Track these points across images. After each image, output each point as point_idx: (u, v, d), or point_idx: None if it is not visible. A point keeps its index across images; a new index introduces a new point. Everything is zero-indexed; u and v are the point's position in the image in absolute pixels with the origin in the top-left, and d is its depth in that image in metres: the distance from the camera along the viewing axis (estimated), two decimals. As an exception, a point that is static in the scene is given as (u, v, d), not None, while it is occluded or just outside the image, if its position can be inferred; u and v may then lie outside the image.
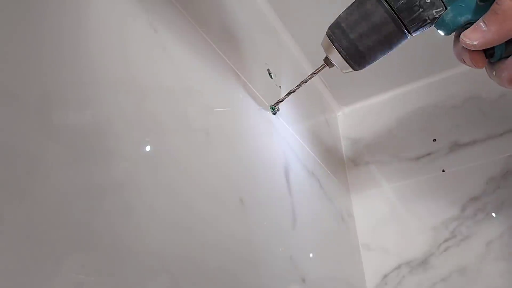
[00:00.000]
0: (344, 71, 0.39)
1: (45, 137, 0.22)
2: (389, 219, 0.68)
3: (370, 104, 0.81)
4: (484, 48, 0.30)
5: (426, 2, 0.32)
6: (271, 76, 0.54)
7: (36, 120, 0.22)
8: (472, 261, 0.59)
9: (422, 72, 0.76)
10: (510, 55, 0.31)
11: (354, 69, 0.38)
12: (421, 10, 0.33)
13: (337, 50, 0.37)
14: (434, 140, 0.70)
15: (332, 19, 0.38)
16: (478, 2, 0.31)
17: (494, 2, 0.29)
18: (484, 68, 0.33)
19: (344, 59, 0.37)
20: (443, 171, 0.67)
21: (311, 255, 0.48)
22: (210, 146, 0.36)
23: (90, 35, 0.27)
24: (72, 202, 0.22)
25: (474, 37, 0.30)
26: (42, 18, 0.24)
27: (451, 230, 0.62)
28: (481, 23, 0.30)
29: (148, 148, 0.29)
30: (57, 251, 0.21)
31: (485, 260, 0.58)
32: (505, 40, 0.30)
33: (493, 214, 0.60)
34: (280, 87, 0.56)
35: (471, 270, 0.59)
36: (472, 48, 0.31)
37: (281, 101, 0.50)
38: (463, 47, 0.32)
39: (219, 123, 0.39)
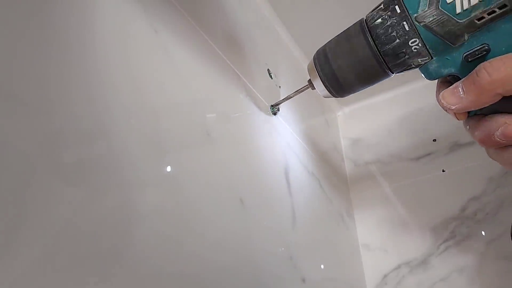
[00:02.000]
0: (324, 97, 0.40)
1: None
2: (389, 219, 0.68)
3: (370, 104, 0.81)
4: (460, 112, 0.32)
5: (413, 51, 0.32)
6: (271, 76, 0.54)
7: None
8: (471, 261, 0.59)
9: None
10: (484, 114, 0.32)
11: (334, 96, 0.39)
12: (406, 57, 0.33)
13: (319, 77, 0.38)
14: (434, 140, 0.70)
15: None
16: (463, 60, 0.31)
17: (474, 71, 0.29)
18: None
19: (325, 87, 0.38)
20: (443, 171, 0.67)
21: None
22: (210, 146, 0.36)
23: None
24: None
25: (451, 101, 0.31)
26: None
27: (451, 230, 0.62)
28: (459, 88, 0.31)
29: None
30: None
31: (485, 260, 0.58)
32: (480, 108, 0.31)
33: (491, 219, 0.60)
34: (280, 87, 0.56)
35: (470, 270, 0.59)
36: (449, 111, 0.32)
37: (276, 105, 0.52)
38: None
39: (220, 123, 0.39)
